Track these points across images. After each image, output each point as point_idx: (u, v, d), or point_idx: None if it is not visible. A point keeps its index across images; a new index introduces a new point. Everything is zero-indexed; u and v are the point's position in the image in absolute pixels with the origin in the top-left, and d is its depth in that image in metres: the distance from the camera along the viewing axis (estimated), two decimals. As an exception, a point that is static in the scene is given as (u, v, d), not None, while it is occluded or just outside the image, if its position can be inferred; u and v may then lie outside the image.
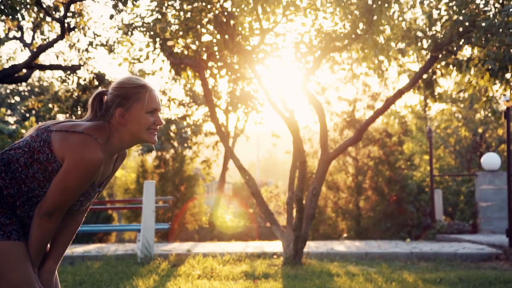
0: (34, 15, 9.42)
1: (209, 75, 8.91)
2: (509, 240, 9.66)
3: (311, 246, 10.38)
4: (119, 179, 16.12)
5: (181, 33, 8.13)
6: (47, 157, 2.40)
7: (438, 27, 7.89)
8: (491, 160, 13.46)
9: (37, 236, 2.41)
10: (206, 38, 8.35)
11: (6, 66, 11.88)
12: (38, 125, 2.53)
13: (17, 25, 9.86)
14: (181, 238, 13.72)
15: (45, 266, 2.54)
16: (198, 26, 8.07)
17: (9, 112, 20.16)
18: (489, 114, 17.25)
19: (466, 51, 8.45)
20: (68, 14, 9.34)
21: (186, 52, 8.42)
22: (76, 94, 10.17)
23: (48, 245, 2.58)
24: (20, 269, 2.36)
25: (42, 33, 9.90)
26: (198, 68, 8.38)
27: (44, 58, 19.25)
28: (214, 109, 8.84)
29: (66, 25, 9.26)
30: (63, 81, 10.28)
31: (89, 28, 9.78)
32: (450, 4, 7.51)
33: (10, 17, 7.15)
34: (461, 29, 7.52)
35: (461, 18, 7.36)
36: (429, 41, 7.89)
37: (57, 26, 9.66)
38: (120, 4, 8.45)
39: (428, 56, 8.22)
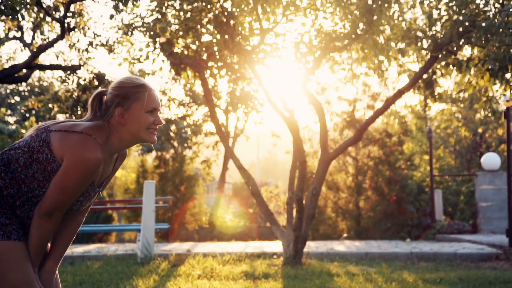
0: (34, 15, 9.42)
1: (209, 75, 8.91)
2: (509, 240, 9.66)
3: (311, 246, 10.38)
4: (119, 179, 16.13)
5: (181, 33, 8.13)
6: (46, 157, 2.40)
7: (438, 27, 7.89)
8: (491, 160, 13.45)
9: (37, 236, 2.41)
10: (206, 38, 8.36)
11: (6, 66, 11.88)
12: (38, 125, 2.53)
13: (17, 25, 9.86)
14: (181, 238, 13.72)
15: (46, 266, 2.54)
16: (198, 26, 8.07)
17: (9, 112, 20.17)
18: (489, 114, 17.24)
19: (466, 51, 8.45)
20: (68, 14, 9.33)
21: (186, 52, 8.42)
22: (76, 94, 10.17)
23: (49, 245, 2.58)
24: (20, 269, 2.36)
25: (42, 33, 9.90)
26: (198, 68, 8.38)
27: (44, 58, 19.27)
28: (214, 109, 8.84)
29: (66, 25, 9.26)
30: (63, 81, 10.28)
31: (89, 28, 9.78)
32: (450, 4, 7.51)
33: (10, 17, 7.15)
34: (461, 29, 7.52)
35: (461, 18, 7.36)
36: (429, 41, 7.89)
37: (57, 26, 9.66)
38: (120, 5, 8.44)
39: (428, 56, 8.22)
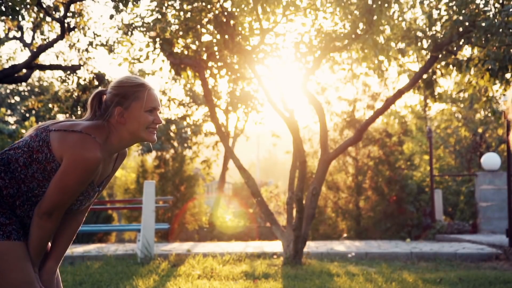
0: (34, 15, 9.42)
1: (209, 75, 8.91)
2: (509, 240, 9.66)
3: (311, 246, 10.38)
4: (119, 179, 16.13)
5: (181, 33, 8.13)
6: (46, 156, 2.40)
7: (438, 27, 7.89)
8: (491, 160, 13.45)
9: (37, 235, 2.41)
10: (206, 38, 8.36)
11: (6, 66, 11.87)
12: (38, 125, 2.53)
13: (17, 25, 9.86)
14: (181, 238, 13.72)
15: (46, 266, 2.53)
16: (198, 26, 8.07)
17: (9, 112, 20.16)
18: (489, 114, 17.24)
19: (466, 51, 8.46)
20: (68, 14, 9.33)
21: (186, 52, 8.42)
22: (76, 94, 10.17)
23: (49, 245, 2.58)
24: (20, 269, 2.35)
25: (42, 33, 9.90)
26: (198, 68, 8.38)
27: (44, 58, 19.24)
28: (214, 109, 8.84)
29: (66, 25, 9.25)
30: (63, 81, 10.28)
31: (89, 28, 9.78)
32: (450, 4, 7.51)
33: (10, 17, 7.15)
34: (461, 29, 7.52)
35: (461, 18, 7.36)
36: (429, 41, 7.89)
37: (57, 26, 9.66)
38: (120, 5, 8.44)
39: (428, 56, 8.22)
